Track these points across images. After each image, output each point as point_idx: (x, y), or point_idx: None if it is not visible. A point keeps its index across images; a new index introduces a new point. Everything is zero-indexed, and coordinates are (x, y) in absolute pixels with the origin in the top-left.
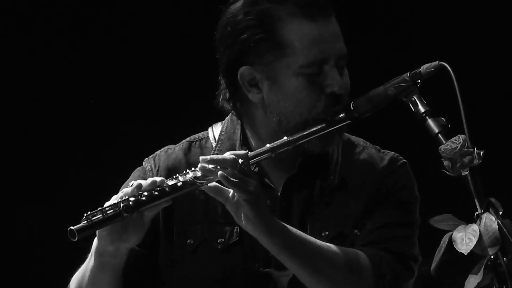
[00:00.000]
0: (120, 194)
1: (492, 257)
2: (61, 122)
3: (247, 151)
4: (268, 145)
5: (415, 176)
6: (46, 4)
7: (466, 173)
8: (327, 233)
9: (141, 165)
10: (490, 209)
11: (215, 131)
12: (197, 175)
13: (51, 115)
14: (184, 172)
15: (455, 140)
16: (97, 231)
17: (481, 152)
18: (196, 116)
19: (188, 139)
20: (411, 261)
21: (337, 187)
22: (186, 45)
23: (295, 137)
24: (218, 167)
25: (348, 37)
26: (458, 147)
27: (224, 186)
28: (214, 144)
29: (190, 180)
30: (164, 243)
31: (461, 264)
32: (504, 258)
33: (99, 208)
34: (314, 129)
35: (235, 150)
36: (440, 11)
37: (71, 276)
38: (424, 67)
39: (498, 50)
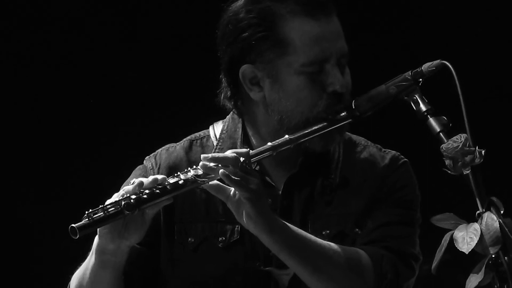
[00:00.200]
0: (121, 192)
1: (493, 256)
2: (61, 121)
3: (248, 149)
4: (269, 144)
5: (416, 175)
6: (45, 3)
7: (468, 172)
8: (328, 231)
9: (142, 163)
10: (492, 208)
11: (216, 129)
12: (199, 173)
13: (51, 114)
14: (186, 170)
15: (457, 139)
16: (98, 229)
17: (483, 151)
18: (197, 115)
19: (189, 137)
20: (412, 260)
21: (338, 185)
22: (186, 43)
23: (296, 135)
24: (220, 165)
25: (350, 36)
26: (460, 146)
27: (225, 184)
28: (215, 143)
29: (191, 178)
30: (165, 241)
31: (462, 263)
32: (505, 257)
33: (100, 206)
34: (316, 127)
35: (236, 148)
36: (441, 10)
37: (72, 274)
38: (425, 66)
39: (499, 49)
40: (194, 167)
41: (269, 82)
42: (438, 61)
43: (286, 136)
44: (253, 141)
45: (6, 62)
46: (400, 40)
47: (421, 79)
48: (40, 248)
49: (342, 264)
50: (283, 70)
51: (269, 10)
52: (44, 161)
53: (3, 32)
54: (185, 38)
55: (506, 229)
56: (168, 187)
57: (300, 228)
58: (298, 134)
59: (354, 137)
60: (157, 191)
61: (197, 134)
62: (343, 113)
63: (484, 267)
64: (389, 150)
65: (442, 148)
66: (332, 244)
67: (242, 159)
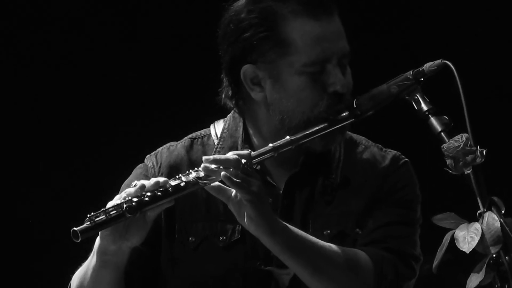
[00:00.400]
0: (123, 194)
1: (494, 255)
2: (61, 121)
3: (249, 150)
4: (270, 145)
5: (417, 174)
6: (45, 3)
7: (469, 171)
8: (328, 231)
9: (143, 162)
10: (493, 208)
11: (217, 128)
12: (200, 175)
13: (51, 114)
14: (187, 172)
15: (458, 138)
16: None
17: (484, 151)
18: (197, 114)
19: (190, 136)
20: (412, 261)
21: (339, 185)
22: (186, 43)
23: (297, 136)
24: (221, 167)
25: (350, 35)
26: (461, 146)
27: (226, 185)
28: (216, 142)
29: (193, 180)
30: (166, 240)
31: (463, 263)
32: (506, 257)
33: (102, 209)
34: (317, 128)
35: (237, 147)
36: (441, 10)
37: (72, 274)
38: (427, 65)
39: (501, 48)
40: (196, 169)
41: (270, 82)
42: (439, 60)
43: (287, 137)
44: (254, 140)
45: (6, 62)
46: (400, 40)
47: (422, 79)
48: (40, 248)
49: (342, 265)
50: (284, 70)
51: (271, 10)
52: (44, 161)
53: (3, 32)
54: (185, 38)
55: (507, 228)
56: (169, 189)
57: (301, 228)
58: (299, 135)
59: (355, 136)
60: (159, 193)
61: (198, 132)
62: (344, 113)
63: (485, 267)
64: (390, 150)
65: (443, 148)
66: (332, 245)
67: (243, 161)
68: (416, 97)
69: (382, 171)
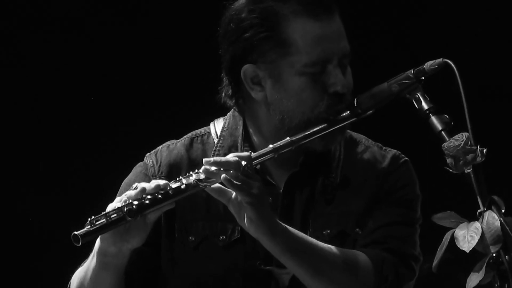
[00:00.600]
0: (123, 197)
1: (494, 255)
2: (61, 121)
3: (250, 152)
4: (271, 146)
5: (417, 173)
6: (45, 3)
7: (469, 170)
8: (328, 231)
9: (143, 160)
10: (493, 207)
11: (217, 126)
12: (200, 177)
13: (51, 114)
14: (187, 174)
15: (458, 137)
16: None
17: (484, 150)
18: (197, 114)
19: (190, 134)
20: (412, 262)
21: (339, 185)
22: (186, 43)
23: (297, 137)
24: (221, 169)
25: (351, 35)
26: (461, 145)
27: (227, 187)
28: (216, 140)
29: (193, 183)
30: (166, 240)
31: (463, 262)
32: (506, 256)
33: (103, 213)
34: (317, 128)
35: (237, 146)
36: (441, 10)
37: (72, 273)
38: (428, 64)
39: (502, 47)
40: (196, 170)
41: (270, 82)
42: (440, 59)
43: (288, 138)
44: (254, 139)
45: (6, 62)
46: (400, 40)
47: (423, 77)
48: (40, 248)
49: (342, 266)
50: (285, 71)
51: (272, 10)
52: (44, 161)
53: (3, 32)
54: (185, 38)
55: (507, 228)
56: (170, 192)
57: (301, 227)
58: (300, 136)
59: (355, 135)
60: (159, 196)
61: (197, 131)
62: (344, 113)
63: (485, 266)
64: (390, 149)
65: (443, 147)
66: (332, 247)
67: (243, 163)
68: (417, 95)
69: (382, 171)
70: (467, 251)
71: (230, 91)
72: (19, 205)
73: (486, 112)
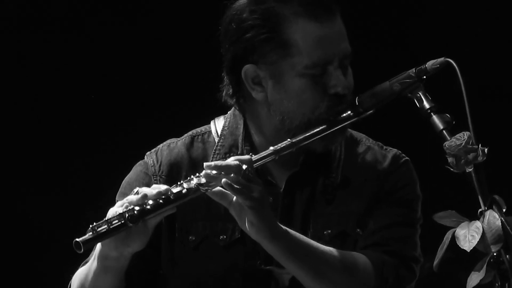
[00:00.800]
0: (125, 202)
1: (495, 254)
2: (61, 120)
3: (251, 155)
4: (271, 148)
5: (419, 172)
6: (45, 3)
7: (470, 170)
8: (329, 231)
9: (143, 158)
10: (494, 206)
11: (218, 125)
12: (201, 181)
13: (51, 114)
14: (188, 178)
15: (460, 136)
16: None
17: (486, 149)
18: (197, 115)
19: (190, 133)
20: (413, 263)
21: (339, 185)
22: (186, 43)
23: (298, 138)
24: (222, 173)
25: (351, 35)
26: (463, 144)
27: None
28: (216, 139)
29: (194, 187)
30: (166, 240)
31: (464, 261)
32: (507, 256)
33: (104, 219)
34: (317, 130)
35: (237, 146)
36: (441, 10)
37: (72, 273)
38: (429, 63)
39: (502, 47)
40: (197, 174)
41: (271, 83)
42: (442, 58)
43: (288, 140)
44: (255, 138)
45: (6, 62)
46: (400, 40)
47: (424, 77)
48: (40, 248)
49: (343, 269)
50: (285, 72)
51: (273, 11)
52: (44, 161)
53: (3, 32)
54: (185, 38)
55: (508, 227)
56: (171, 197)
57: (302, 227)
58: (300, 137)
59: (355, 134)
60: (161, 201)
61: (198, 129)
62: (345, 114)
63: (485, 265)
64: (391, 148)
65: (445, 146)
66: (333, 249)
67: (244, 166)
68: (419, 95)
69: (382, 171)
70: (468, 251)
71: (230, 91)
72: (19, 205)
73: (487, 112)
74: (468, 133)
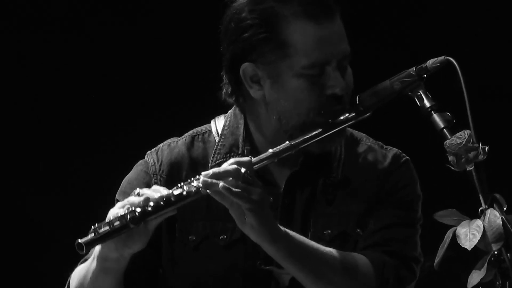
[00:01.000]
0: (126, 203)
1: (495, 253)
2: (61, 120)
3: (250, 157)
4: (270, 150)
5: (419, 171)
6: (45, 3)
7: (471, 168)
8: (329, 231)
9: (143, 158)
10: (495, 205)
11: (218, 124)
12: (202, 184)
13: (51, 114)
14: (189, 180)
15: (460, 135)
16: None
17: (486, 148)
18: (197, 115)
19: (190, 132)
20: (413, 264)
21: (339, 184)
22: (186, 43)
23: (297, 141)
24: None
25: (351, 35)
26: (463, 142)
27: None
28: (217, 139)
29: (195, 189)
30: (167, 240)
31: (465, 260)
32: (508, 254)
33: (106, 221)
34: (316, 132)
35: (238, 145)
36: (441, 10)
37: (71, 271)
38: (430, 62)
39: (502, 47)
40: (197, 176)
41: (269, 82)
42: (442, 57)
43: (287, 142)
44: (255, 138)
45: (6, 62)
46: (400, 40)
47: (425, 75)
48: (40, 247)
49: (343, 270)
50: (283, 72)
51: (272, 11)
52: (44, 161)
53: (3, 32)
54: (185, 38)
55: (509, 225)
56: (172, 199)
57: (302, 227)
58: (299, 140)
59: (356, 133)
60: (162, 203)
61: (198, 129)
62: (343, 116)
63: (486, 264)
64: (391, 148)
65: (445, 144)
66: (333, 250)
67: (243, 170)
68: (419, 93)
69: (383, 170)
70: (469, 249)
71: (230, 90)
72: (20, 205)
73: (487, 111)
74: (468, 131)
